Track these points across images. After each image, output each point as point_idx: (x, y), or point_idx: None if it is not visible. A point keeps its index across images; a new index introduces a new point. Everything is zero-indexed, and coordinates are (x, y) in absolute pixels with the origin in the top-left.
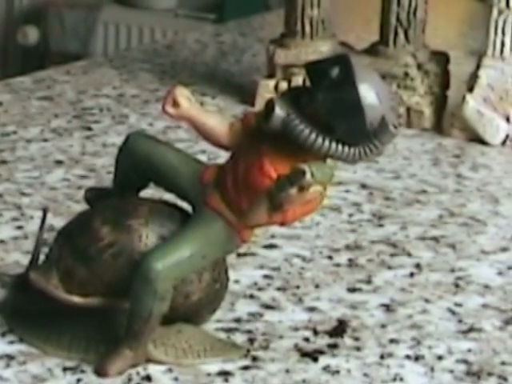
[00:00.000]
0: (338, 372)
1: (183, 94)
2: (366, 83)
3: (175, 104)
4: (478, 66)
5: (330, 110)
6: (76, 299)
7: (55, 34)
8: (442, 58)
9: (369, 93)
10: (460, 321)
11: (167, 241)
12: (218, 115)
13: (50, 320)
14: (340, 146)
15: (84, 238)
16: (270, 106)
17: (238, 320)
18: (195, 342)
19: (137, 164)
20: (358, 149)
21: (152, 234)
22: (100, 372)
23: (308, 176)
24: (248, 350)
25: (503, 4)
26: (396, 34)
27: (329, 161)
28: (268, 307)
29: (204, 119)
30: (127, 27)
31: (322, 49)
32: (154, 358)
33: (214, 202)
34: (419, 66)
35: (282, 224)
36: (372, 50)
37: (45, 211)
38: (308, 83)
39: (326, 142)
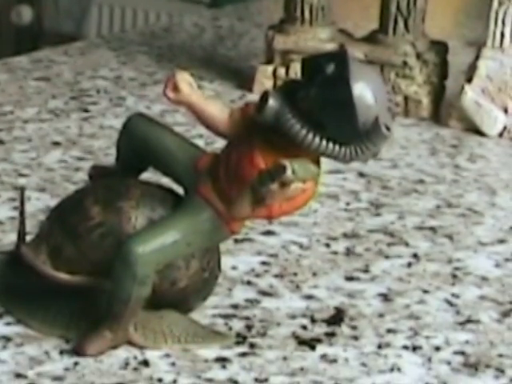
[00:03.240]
0: (335, 361)
1: (184, 79)
2: (361, 82)
3: (176, 89)
4: (477, 57)
5: (321, 106)
6: (62, 276)
7: (49, 14)
8: (441, 48)
9: (363, 92)
10: (457, 312)
11: (152, 225)
12: (219, 103)
13: (38, 296)
14: (331, 144)
15: (74, 216)
16: (264, 97)
17: (235, 306)
18: (177, 328)
19: (135, 147)
20: (350, 148)
21: (141, 217)
22: (78, 351)
23: (289, 172)
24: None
25: None
26: (396, 22)
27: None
28: (265, 294)
29: (204, 106)
30: (121, 9)
31: (321, 36)
32: (133, 340)
33: (205, 191)
34: (418, 56)
35: (268, 218)
36: (371, 38)
37: (22, 190)
38: (304, 78)
39: (317, 139)
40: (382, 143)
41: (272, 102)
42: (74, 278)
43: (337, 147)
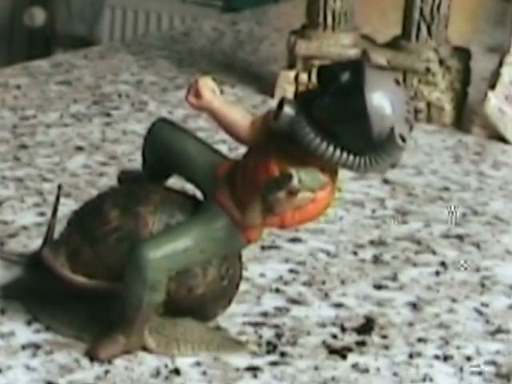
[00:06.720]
0: (367, 370)
1: (207, 85)
2: (377, 91)
3: (198, 94)
4: (500, 64)
5: (334, 115)
6: (80, 279)
7: (62, 16)
8: (464, 54)
9: (378, 102)
10: (487, 321)
11: (165, 231)
12: (241, 109)
13: (58, 298)
14: (344, 154)
15: (93, 220)
16: (280, 105)
17: (264, 314)
18: (191, 335)
19: (159, 152)
20: (364, 158)
21: (159, 223)
22: (91, 354)
23: (295, 181)
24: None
25: None
26: (419, 28)
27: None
28: (294, 302)
29: (226, 112)
30: (134, 12)
31: (344, 41)
32: (145, 345)
33: (222, 198)
34: (441, 62)
35: (281, 227)
36: (394, 44)
37: (59, 188)
38: (319, 86)
39: (330, 149)
40: (396, 154)
41: (287, 110)
42: (90, 282)
43: (351, 157)
